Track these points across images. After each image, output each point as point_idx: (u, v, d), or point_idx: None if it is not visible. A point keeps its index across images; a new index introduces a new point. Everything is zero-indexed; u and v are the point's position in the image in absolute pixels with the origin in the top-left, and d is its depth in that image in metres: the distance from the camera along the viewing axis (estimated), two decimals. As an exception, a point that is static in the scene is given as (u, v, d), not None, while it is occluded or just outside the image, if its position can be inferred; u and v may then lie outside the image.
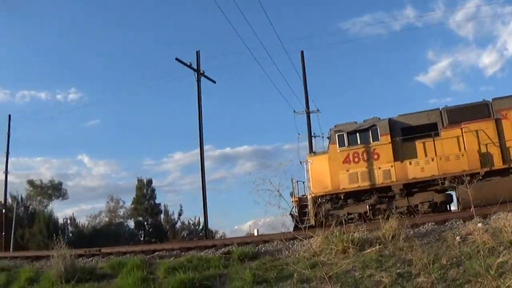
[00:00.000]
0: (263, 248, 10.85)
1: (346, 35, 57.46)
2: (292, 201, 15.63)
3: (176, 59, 19.28)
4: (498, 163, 15.55)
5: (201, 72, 19.13)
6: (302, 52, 23.11)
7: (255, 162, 66.53)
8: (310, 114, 21.59)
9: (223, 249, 11.10)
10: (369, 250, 8.98)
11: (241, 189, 62.94)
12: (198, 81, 18.11)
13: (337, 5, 58.88)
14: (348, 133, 15.74)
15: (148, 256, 11.40)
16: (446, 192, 15.88)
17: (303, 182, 16.85)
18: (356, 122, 16.03)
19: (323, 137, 23.07)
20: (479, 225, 9.57)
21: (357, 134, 15.78)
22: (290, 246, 10.73)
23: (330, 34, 57.67)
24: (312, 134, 21.55)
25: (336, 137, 15.77)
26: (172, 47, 63.68)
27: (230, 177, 63.80)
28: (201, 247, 11.83)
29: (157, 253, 11.72)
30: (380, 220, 10.19)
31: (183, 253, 11.46)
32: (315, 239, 10.03)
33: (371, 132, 15.76)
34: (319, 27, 60.06)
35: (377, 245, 9.08)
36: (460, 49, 63.63)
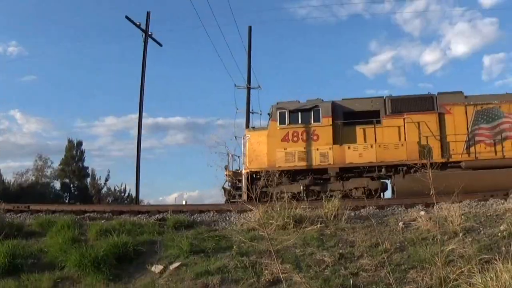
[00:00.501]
0: (199, 218, 10.89)
1: (294, 15, 57.74)
2: (226, 175, 15.49)
3: (126, 17, 18.77)
4: (437, 157, 15.88)
5: (149, 33, 18.59)
6: (250, 27, 23.00)
7: (186, 134, 67.09)
8: (251, 90, 21.29)
9: (157, 215, 11.10)
10: (310, 228, 9.01)
11: (170, 160, 63.05)
12: (145, 42, 17.67)
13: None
14: (290, 111, 15.75)
15: (78, 216, 11.26)
16: (381, 180, 16.03)
17: (239, 157, 16.78)
18: (299, 101, 16.08)
19: (261, 114, 23.23)
20: (422, 213, 9.80)
21: (299, 113, 15.83)
22: (227, 218, 10.84)
23: (278, 13, 57.42)
24: (251, 111, 21.39)
25: (278, 114, 15.76)
26: (120, 6, 60.84)
27: (160, 147, 63.49)
28: (134, 212, 11.81)
29: (87, 214, 11.62)
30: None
31: (115, 216, 11.43)
32: (254, 212, 10.12)
33: (313, 113, 15.83)
34: (269, 5, 59.69)
35: (319, 223, 9.13)
36: (404, 44, 65.91)
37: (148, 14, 18.88)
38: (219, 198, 16.05)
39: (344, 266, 7.41)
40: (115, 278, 7.88)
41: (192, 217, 10.87)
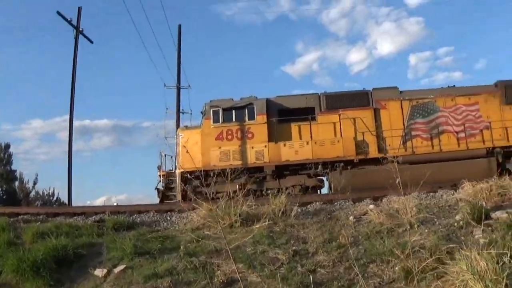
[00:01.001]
0: (138, 219, 10.76)
1: (220, 17, 59.12)
2: (159, 175, 15.32)
3: (57, 12, 18.48)
4: (373, 152, 16.10)
5: (80, 30, 18.36)
6: (179, 26, 23.22)
7: (113, 137, 67.54)
8: (181, 90, 21.32)
9: (93, 217, 10.89)
10: (257, 226, 8.91)
11: (97, 163, 63.41)
12: (76, 38, 17.39)
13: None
14: (224, 109, 15.78)
15: (11, 219, 10.90)
16: (318, 177, 16.07)
17: (171, 157, 16.68)
18: (232, 99, 16.15)
19: (191, 113, 23.57)
20: (371, 206, 9.89)
21: (233, 111, 15.88)
22: (168, 218, 10.75)
23: (206, 13, 58.54)
24: (181, 110, 21.45)
25: (211, 112, 15.78)
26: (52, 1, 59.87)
27: (87, 150, 63.15)
28: (69, 214, 11.61)
29: (21, 216, 11.32)
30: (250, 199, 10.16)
31: (50, 218, 11.15)
32: (198, 211, 10.02)
33: (247, 111, 15.90)
34: (197, 5, 60.75)
35: (267, 220, 9.00)
36: (330, 44, 68.91)
37: (79, 9, 18.61)
38: (147, 201, 15.89)
39: (300, 263, 7.38)
40: (56, 283, 7.60)
41: (131, 217, 10.75)
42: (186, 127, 16.51)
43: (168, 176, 15.68)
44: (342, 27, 68.07)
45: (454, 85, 17.46)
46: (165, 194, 15.41)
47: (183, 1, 56.20)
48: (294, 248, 7.84)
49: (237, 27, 65.41)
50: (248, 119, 15.99)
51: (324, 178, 16.44)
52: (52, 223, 10.09)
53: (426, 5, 62.94)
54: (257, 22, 67.46)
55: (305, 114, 16.32)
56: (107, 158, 65.46)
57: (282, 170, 15.96)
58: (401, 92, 16.87)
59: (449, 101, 16.84)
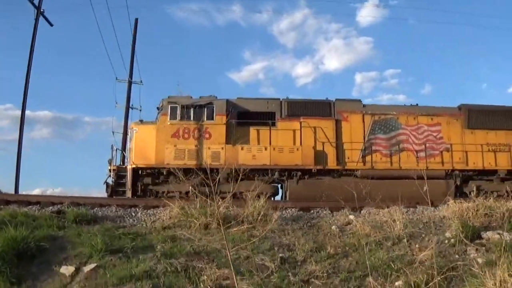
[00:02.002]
0: (100, 213, 10.53)
1: (172, 18, 60.84)
2: (110, 170, 15.16)
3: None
4: (332, 163, 16.41)
5: (41, 10, 18.22)
6: (136, 20, 23.46)
7: (51, 129, 66.75)
8: (132, 85, 21.51)
9: (51, 207, 10.58)
10: (236, 229, 8.82)
11: (35, 155, 62.21)
12: (36, 19, 17.22)
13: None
14: (183, 107, 16.00)
15: None
16: (273, 184, 16.16)
17: (121, 151, 16.60)
18: (191, 97, 16.23)
19: (140, 110, 24.09)
20: (351, 217, 10.16)
21: (192, 109, 16.11)
22: (133, 214, 10.58)
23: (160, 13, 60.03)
24: (131, 106, 21.56)
25: (169, 108, 15.92)
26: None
27: (25, 141, 61.59)
28: (22, 202, 11.24)
29: None
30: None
31: (1, 206, 10.74)
32: (169, 209, 9.90)
33: (207, 110, 16.12)
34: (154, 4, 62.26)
35: (245, 224, 8.94)
36: (278, 55, 71.57)
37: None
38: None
39: (291, 272, 7.30)
40: (17, 280, 7.04)
41: (93, 211, 10.49)
42: (141, 122, 16.55)
43: (119, 171, 15.47)
44: (291, 39, 70.39)
45: (417, 104, 17.94)
46: (114, 189, 15.21)
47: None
48: (281, 255, 7.80)
49: (188, 30, 66.89)
50: (207, 119, 16.20)
51: (279, 186, 16.53)
52: (6, 212, 9.66)
53: (377, 26, 65.60)
54: (208, 27, 69.19)
55: (265, 118, 16.56)
56: (44, 150, 64.39)
57: (238, 174, 15.93)
58: (364, 105, 17.39)
59: (412, 119, 17.43)
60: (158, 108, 16.91)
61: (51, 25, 18.86)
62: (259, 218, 9.30)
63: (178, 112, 16.13)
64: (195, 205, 9.40)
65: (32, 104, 56.50)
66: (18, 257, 7.36)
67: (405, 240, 8.48)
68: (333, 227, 9.45)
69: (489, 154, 17.50)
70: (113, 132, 20.57)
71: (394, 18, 69.50)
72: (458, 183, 17.02)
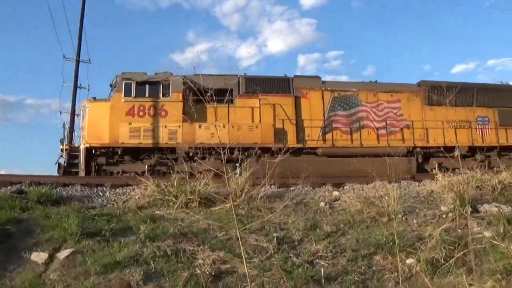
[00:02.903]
0: (64, 192, 10.12)
1: (112, 2, 61.53)
2: (62, 149, 14.93)
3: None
4: (292, 141, 16.66)
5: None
6: None
7: None
8: (80, 63, 21.28)
9: (9, 187, 10.12)
10: (219, 207, 8.70)
11: None
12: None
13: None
14: (137, 83, 16.02)
15: None
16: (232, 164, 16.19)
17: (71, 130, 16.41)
18: (146, 73, 16.18)
19: (88, 89, 23.92)
20: (336, 193, 10.33)
21: (147, 86, 16.13)
22: (101, 194, 10.30)
23: None
24: (78, 85, 21.36)
25: (123, 84, 15.92)
26: None
27: None
28: None
29: None
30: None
31: None
32: (142, 187, 9.69)
33: (163, 86, 16.17)
34: None
35: (230, 202, 8.62)
36: (221, 37, 74.99)
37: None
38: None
39: (292, 253, 7.17)
40: None
41: (56, 191, 9.91)
42: (94, 99, 16.45)
43: (71, 151, 15.27)
44: (235, 21, 73.22)
45: (376, 81, 18.27)
46: (66, 169, 15.01)
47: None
48: (276, 234, 7.67)
49: (129, 11, 66.76)
50: (163, 96, 16.28)
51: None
52: None
53: (320, 7, 67.15)
54: (150, 8, 70.29)
55: (223, 95, 16.53)
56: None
57: (195, 153, 15.94)
58: (323, 82, 17.77)
59: (371, 96, 17.88)
60: (111, 85, 16.81)
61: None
62: (242, 195, 9.24)
63: (133, 88, 16.06)
64: (172, 182, 9.30)
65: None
66: None
67: (399, 215, 8.70)
68: (321, 203, 9.61)
69: (450, 131, 18.20)
70: (60, 112, 20.27)
71: (337, 1, 70.65)
72: (420, 160, 17.53)
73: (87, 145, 15.58)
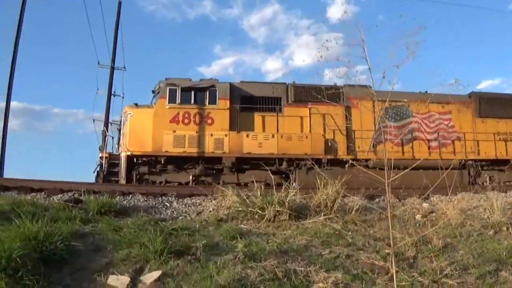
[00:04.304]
0: (125, 202, 9.15)
1: (142, 13, 61.24)
2: (101, 157, 14.11)
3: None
4: (342, 152, 15.95)
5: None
6: (119, 3, 22.51)
7: (21, 120, 67.82)
8: (115, 70, 20.74)
9: (60, 195, 9.28)
10: (311, 220, 7.89)
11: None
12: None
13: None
14: (182, 89, 15.27)
15: None
16: (282, 175, 15.43)
17: (113, 138, 15.65)
18: (190, 79, 15.35)
19: (123, 97, 23.39)
20: (425, 205, 9.72)
21: (192, 92, 15.38)
22: (167, 204, 9.37)
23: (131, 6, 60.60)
24: (113, 93, 20.77)
25: (167, 91, 15.16)
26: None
27: None
28: (24, 189, 9.83)
29: None
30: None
31: None
32: (219, 198, 8.81)
33: (209, 93, 15.39)
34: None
35: (322, 215, 8.02)
36: (247, 50, 75.06)
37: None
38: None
39: (415, 272, 6.30)
40: None
41: (116, 200, 8.87)
42: (136, 105, 15.60)
43: (111, 159, 14.43)
44: (261, 34, 73.70)
45: (426, 91, 17.64)
46: (106, 178, 14.15)
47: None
48: (387, 251, 6.77)
49: (158, 23, 66.81)
50: (209, 103, 15.52)
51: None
52: (4, 199, 8.18)
53: (347, 22, 67.06)
54: (178, 20, 70.29)
55: (271, 104, 15.93)
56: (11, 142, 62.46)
57: (242, 163, 15.16)
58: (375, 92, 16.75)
59: (423, 107, 17.01)
60: (153, 92, 16.09)
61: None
62: (334, 207, 8.46)
63: (178, 95, 15.36)
64: (256, 192, 8.37)
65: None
66: (44, 262, 5.51)
67: (505, 227, 8.03)
68: (418, 216, 8.91)
69: (500, 143, 17.63)
70: (93, 120, 19.52)
71: (364, 15, 71.03)
72: (472, 173, 16.82)
73: (129, 153, 14.80)
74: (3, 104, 15.77)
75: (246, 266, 5.93)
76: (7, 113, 15.79)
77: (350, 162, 7.68)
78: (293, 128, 16.03)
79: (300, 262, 6.22)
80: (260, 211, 8.02)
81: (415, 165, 6.77)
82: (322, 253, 6.70)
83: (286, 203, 8.13)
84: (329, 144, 15.97)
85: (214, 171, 15.30)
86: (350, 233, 7.64)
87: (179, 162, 15.12)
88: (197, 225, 7.67)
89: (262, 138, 15.56)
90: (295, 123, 16.10)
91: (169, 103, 15.33)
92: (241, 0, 70.14)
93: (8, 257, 5.06)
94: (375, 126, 16.61)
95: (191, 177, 14.96)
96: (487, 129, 17.59)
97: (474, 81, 74.83)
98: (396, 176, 6.06)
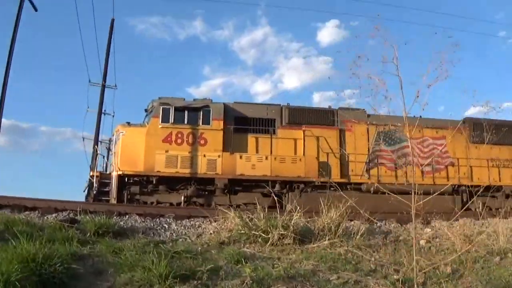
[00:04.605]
0: (122, 223, 8.91)
1: (131, 32, 61.77)
2: (91, 176, 13.86)
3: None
4: (336, 176, 15.86)
5: None
6: (112, 20, 22.70)
7: (7, 138, 65.41)
8: (106, 89, 20.74)
9: (54, 214, 9.07)
10: (315, 245, 7.75)
11: None
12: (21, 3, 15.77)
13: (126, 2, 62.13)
14: (176, 109, 15.13)
15: None
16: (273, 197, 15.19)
17: (103, 156, 15.40)
18: (184, 99, 15.24)
19: (113, 116, 23.17)
20: (428, 229, 9.64)
21: (186, 112, 15.17)
22: (166, 226, 9.16)
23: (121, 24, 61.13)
24: (103, 111, 20.69)
25: (161, 110, 15.01)
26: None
27: None
28: (17, 207, 9.67)
29: None
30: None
31: None
32: (221, 221, 8.64)
33: (203, 113, 15.31)
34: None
35: (326, 239, 7.89)
36: (237, 72, 74.31)
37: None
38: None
39: None
40: None
41: (112, 220, 8.56)
42: (129, 124, 15.39)
43: (102, 178, 14.19)
44: (251, 56, 72.30)
45: (420, 116, 17.60)
46: (96, 198, 13.89)
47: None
48: (395, 277, 6.68)
49: (148, 42, 67.17)
50: (202, 123, 15.43)
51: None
52: None
53: (337, 46, 68.56)
54: (168, 40, 70.36)
55: (265, 125, 15.85)
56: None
57: (234, 185, 14.97)
58: (368, 115, 16.85)
59: (417, 131, 16.88)
60: (146, 110, 15.94)
61: (36, 10, 17.35)
62: (338, 231, 8.30)
63: (171, 114, 15.25)
64: (258, 215, 8.23)
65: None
66: (43, 285, 5.22)
67: (510, 254, 7.99)
68: (422, 241, 8.82)
69: (494, 170, 17.60)
70: (83, 138, 19.33)
71: (354, 39, 71.52)
72: (465, 199, 16.74)
73: (120, 172, 14.57)
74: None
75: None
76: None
77: (374, 186, 7.57)
78: (286, 150, 15.91)
79: (309, 288, 6.09)
80: (263, 235, 7.89)
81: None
82: (330, 279, 6.60)
83: (291, 227, 8.02)
84: (323, 167, 15.84)
85: (206, 192, 15.11)
86: (356, 259, 7.53)
87: (171, 183, 14.91)
88: (199, 248, 7.53)
89: (256, 160, 15.41)
90: (288, 145, 15.99)
91: (162, 122, 15.20)
92: (231, 22, 70.77)
93: (6, 280, 4.80)
94: (368, 150, 16.61)
95: (182, 198, 14.74)
96: (480, 155, 17.50)
97: (462, 107, 75.27)
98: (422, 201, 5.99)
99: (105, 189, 14.50)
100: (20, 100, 58.75)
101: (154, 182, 14.68)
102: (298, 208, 8.39)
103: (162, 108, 15.25)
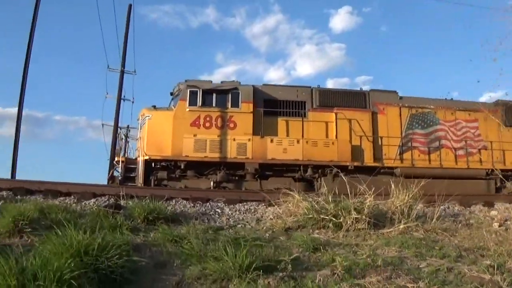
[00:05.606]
0: (169, 208, 7.86)
1: (144, 20, 61.67)
2: (116, 162, 13.28)
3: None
4: (369, 160, 15.29)
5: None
6: (130, 6, 22.16)
7: (24, 128, 63.61)
8: (124, 74, 20.43)
9: (93, 200, 8.27)
10: (390, 229, 7.03)
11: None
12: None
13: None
14: (204, 91, 14.41)
15: None
16: (306, 182, 14.68)
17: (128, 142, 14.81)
18: (211, 81, 14.61)
19: (133, 102, 22.85)
20: (493, 212, 9.05)
21: (214, 95, 14.58)
22: (218, 210, 8.30)
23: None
24: (122, 97, 20.15)
25: (188, 93, 14.37)
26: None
27: None
28: (51, 192, 8.82)
29: None
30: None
31: (18, 196, 8.36)
32: (284, 205, 7.76)
33: (231, 96, 14.66)
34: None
35: (402, 222, 7.16)
36: (250, 59, 74.97)
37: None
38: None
39: None
40: None
41: (162, 205, 7.61)
42: (155, 108, 14.76)
43: (128, 163, 13.59)
44: (264, 43, 72.82)
45: (452, 98, 17.12)
46: (122, 184, 13.28)
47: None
48: (487, 262, 5.95)
49: (161, 31, 66.46)
50: (231, 106, 14.80)
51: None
52: (31, 204, 6.98)
53: (350, 32, 67.12)
54: (181, 28, 70.60)
55: (295, 108, 15.23)
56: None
57: (265, 170, 14.39)
58: (400, 97, 16.40)
59: (449, 114, 16.70)
60: (171, 94, 15.26)
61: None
62: (411, 214, 7.59)
63: (199, 97, 14.62)
64: (327, 198, 7.48)
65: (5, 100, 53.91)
66: (100, 283, 4.40)
67: None
68: (495, 224, 8.15)
69: (526, 153, 16.99)
70: (102, 125, 18.73)
71: (367, 25, 71.13)
72: (499, 183, 16.23)
73: (147, 157, 13.97)
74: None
75: (351, 283, 4.92)
76: (19, 115, 14.92)
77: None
78: (318, 134, 15.30)
79: (405, 278, 5.42)
80: (334, 219, 7.17)
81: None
82: (420, 266, 5.92)
83: (366, 210, 7.38)
84: (356, 150, 15.26)
85: (236, 178, 14.53)
86: (434, 243, 6.94)
87: (200, 168, 14.33)
88: (266, 234, 6.74)
89: (287, 144, 14.78)
90: (320, 128, 15.39)
91: (189, 105, 14.58)
92: (244, 9, 70.14)
93: (59, 279, 3.88)
94: (401, 133, 16.02)
95: (212, 183, 14.17)
96: (512, 138, 17.07)
97: (476, 93, 74.63)
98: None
99: (130, 175, 13.93)
100: (34, 89, 58.33)
101: (182, 167, 14.10)
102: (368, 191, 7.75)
103: (190, 91, 14.64)
